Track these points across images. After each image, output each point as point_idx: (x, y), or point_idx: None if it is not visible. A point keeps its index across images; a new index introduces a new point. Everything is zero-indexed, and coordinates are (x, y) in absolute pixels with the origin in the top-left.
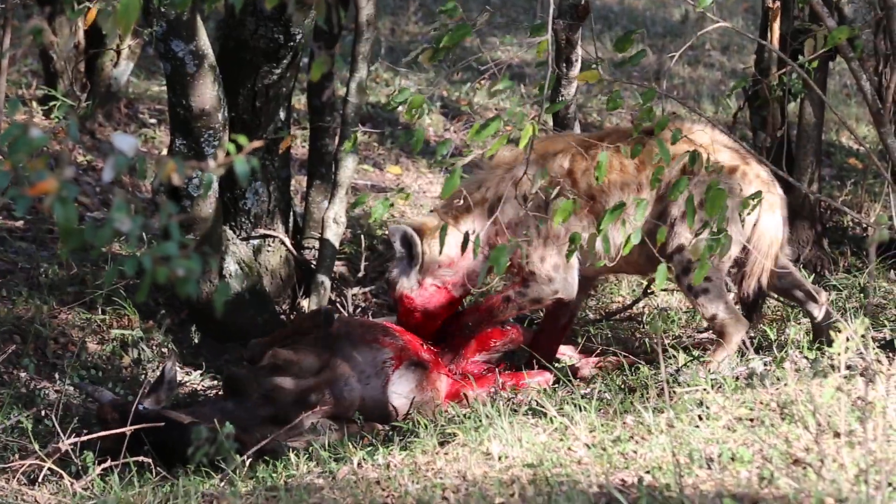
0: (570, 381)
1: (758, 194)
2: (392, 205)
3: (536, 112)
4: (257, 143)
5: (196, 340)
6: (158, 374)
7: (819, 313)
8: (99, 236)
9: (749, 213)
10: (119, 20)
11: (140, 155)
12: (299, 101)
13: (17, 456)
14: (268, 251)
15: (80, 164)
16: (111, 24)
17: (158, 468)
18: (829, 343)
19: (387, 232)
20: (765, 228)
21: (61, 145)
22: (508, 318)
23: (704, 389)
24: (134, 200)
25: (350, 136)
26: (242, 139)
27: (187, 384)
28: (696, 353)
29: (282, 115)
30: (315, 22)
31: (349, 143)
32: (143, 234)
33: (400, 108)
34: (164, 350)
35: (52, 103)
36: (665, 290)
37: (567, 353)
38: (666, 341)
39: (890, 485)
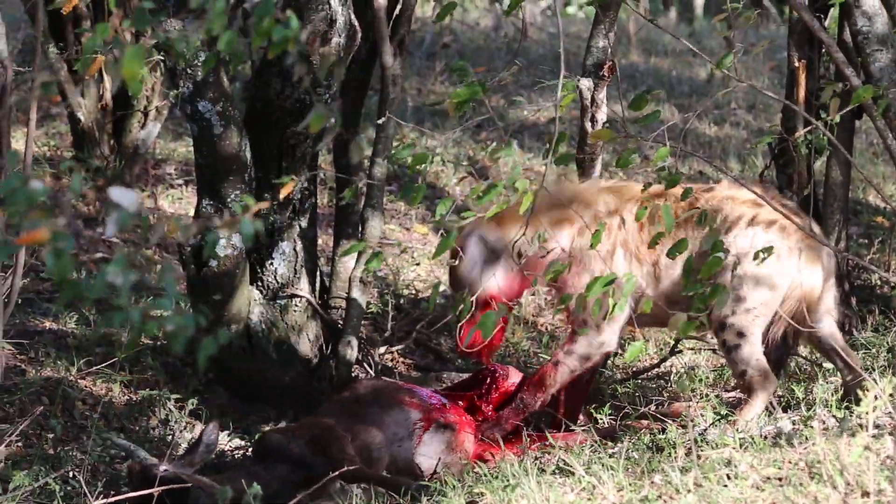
0: (597, 441)
1: (769, 249)
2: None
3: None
4: (264, 204)
5: (223, 400)
6: (197, 436)
7: (851, 387)
8: (93, 288)
9: (759, 263)
10: (125, 69)
11: (142, 211)
12: (325, 161)
13: None
14: (294, 311)
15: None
16: (117, 79)
17: None
18: (857, 402)
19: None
20: (803, 281)
21: (67, 202)
22: (560, 388)
23: (732, 448)
24: (141, 257)
25: (374, 196)
26: (249, 200)
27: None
28: (723, 411)
29: (308, 173)
30: (341, 82)
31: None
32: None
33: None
34: (180, 410)
35: (69, 166)
36: (692, 349)
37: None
38: (693, 400)
39: None
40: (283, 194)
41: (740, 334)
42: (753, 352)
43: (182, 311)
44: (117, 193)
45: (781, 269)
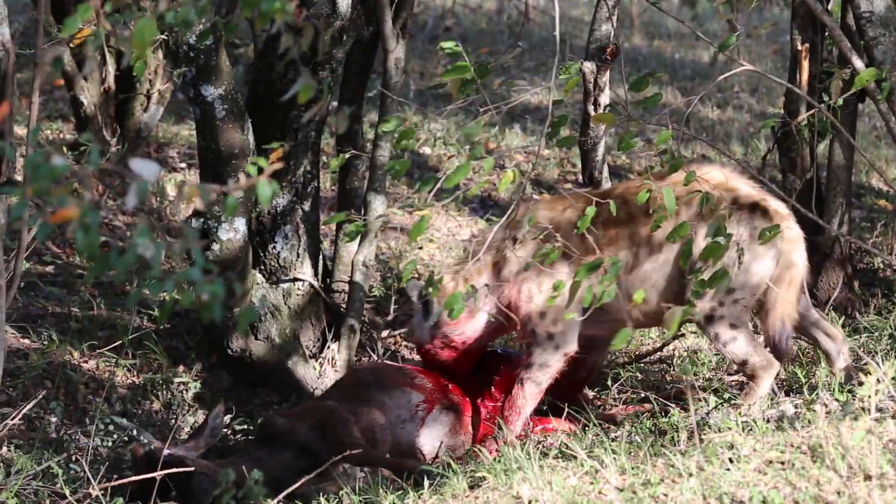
0: (599, 424)
1: (775, 227)
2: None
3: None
4: (278, 165)
5: (226, 384)
6: (203, 419)
7: (837, 356)
8: (122, 261)
9: (763, 244)
10: (135, 42)
11: (161, 179)
12: (329, 145)
13: (47, 501)
14: (297, 295)
15: (109, 208)
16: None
17: None
18: (859, 384)
19: (405, 286)
20: (785, 264)
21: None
22: (536, 404)
23: (735, 432)
24: (158, 227)
25: (377, 179)
26: (263, 161)
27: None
28: (726, 395)
29: (310, 157)
30: (343, 67)
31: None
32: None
33: (425, 149)
34: (183, 393)
35: (82, 148)
36: (695, 332)
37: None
38: (696, 384)
39: None
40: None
41: (733, 326)
42: (749, 339)
43: (213, 279)
44: (138, 164)
45: (768, 253)
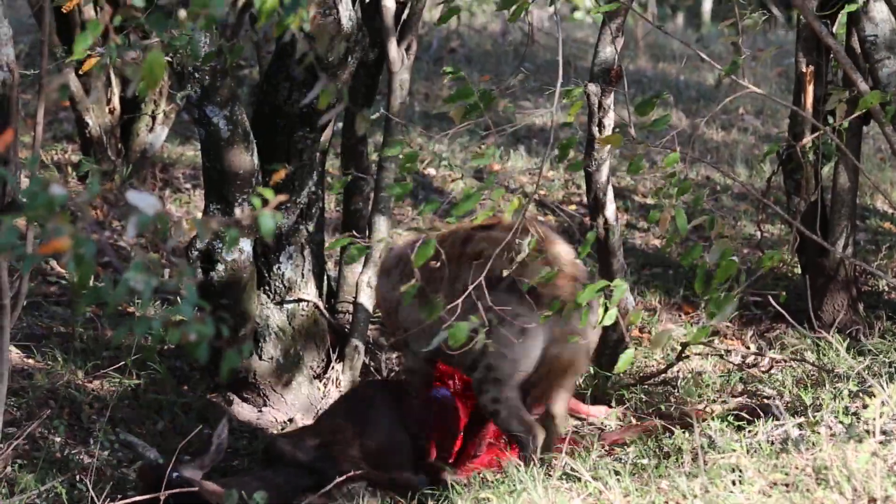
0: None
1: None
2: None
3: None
4: (282, 197)
5: (230, 405)
6: (207, 438)
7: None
8: (114, 295)
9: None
10: (145, 75)
11: (161, 213)
12: (333, 166)
13: None
14: (301, 315)
15: (113, 229)
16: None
17: None
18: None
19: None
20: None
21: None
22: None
23: (739, 454)
24: (152, 262)
25: (382, 200)
26: (268, 193)
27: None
28: (730, 418)
29: (315, 178)
30: (349, 89)
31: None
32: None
33: (430, 170)
34: (187, 413)
35: (86, 170)
36: (699, 354)
37: (598, 414)
38: (700, 406)
39: None
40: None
41: (496, 400)
42: (512, 412)
43: (203, 318)
44: (135, 197)
45: (529, 344)
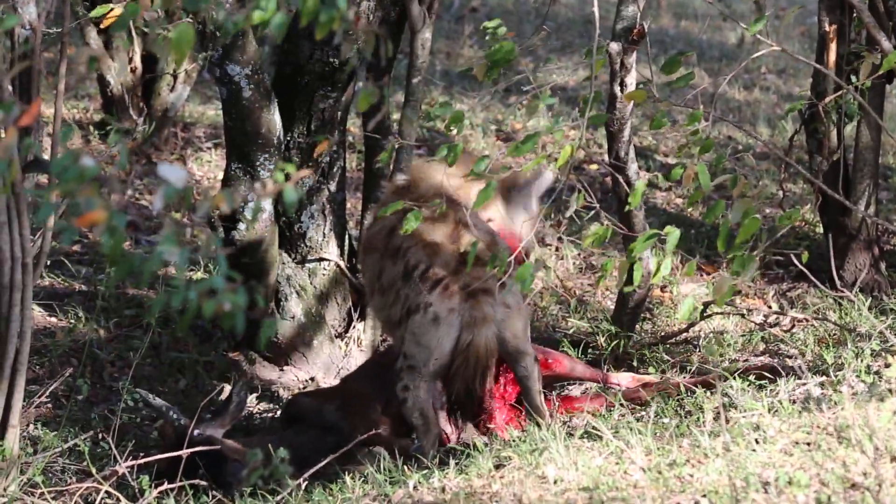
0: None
1: None
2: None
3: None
4: (305, 173)
5: (251, 363)
6: (227, 396)
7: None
8: (146, 266)
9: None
10: (173, 49)
11: (188, 185)
12: (354, 125)
13: (74, 479)
14: (323, 274)
15: (135, 188)
16: (166, 54)
17: (214, 492)
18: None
19: None
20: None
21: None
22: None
23: (761, 413)
24: (182, 231)
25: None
26: (291, 167)
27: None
28: (751, 377)
29: (337, 137)
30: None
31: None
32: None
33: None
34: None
35: (108, 128)
36: (721, 313)
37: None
38: (722, 365)
39: None
40: (317, 153)
41: (406, 388)
42: (416, 403)
43: (236, 287)
44: (165, 169)
45: (440, 332)
